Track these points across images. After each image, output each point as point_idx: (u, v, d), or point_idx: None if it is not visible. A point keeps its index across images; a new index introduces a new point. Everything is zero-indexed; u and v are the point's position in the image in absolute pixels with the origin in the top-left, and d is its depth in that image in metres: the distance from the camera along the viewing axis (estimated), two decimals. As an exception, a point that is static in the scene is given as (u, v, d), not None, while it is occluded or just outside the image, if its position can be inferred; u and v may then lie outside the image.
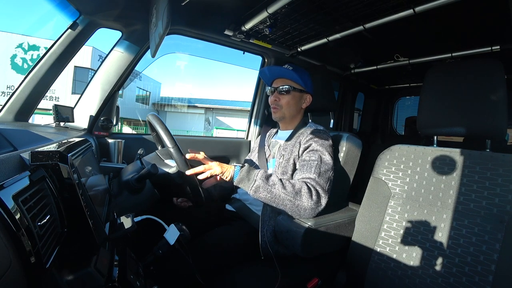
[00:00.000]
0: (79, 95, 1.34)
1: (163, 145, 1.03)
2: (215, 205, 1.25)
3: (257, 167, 1.19)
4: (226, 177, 0.90)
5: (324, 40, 1.39)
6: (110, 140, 1.31)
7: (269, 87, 1.17)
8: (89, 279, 0.46)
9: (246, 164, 0.94)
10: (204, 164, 0.89)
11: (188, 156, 0.85)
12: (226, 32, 1.37)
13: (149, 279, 0.66)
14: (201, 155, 0.90)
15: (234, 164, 0.93)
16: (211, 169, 0.88)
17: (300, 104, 1.15)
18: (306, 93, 1.15)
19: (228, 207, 1.21)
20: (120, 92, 1.40)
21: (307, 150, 1.01)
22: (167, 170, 0.93)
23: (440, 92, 0.86)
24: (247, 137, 1.92)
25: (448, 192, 0.80)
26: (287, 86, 1.10)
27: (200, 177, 0.87)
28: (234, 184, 0.89)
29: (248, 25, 1.27)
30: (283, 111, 1.13)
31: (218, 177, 0.92)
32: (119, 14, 1.14)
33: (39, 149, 0.47)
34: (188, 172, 0.85)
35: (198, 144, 1.68)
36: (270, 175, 0.91)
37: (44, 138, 0.77)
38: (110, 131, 1.39)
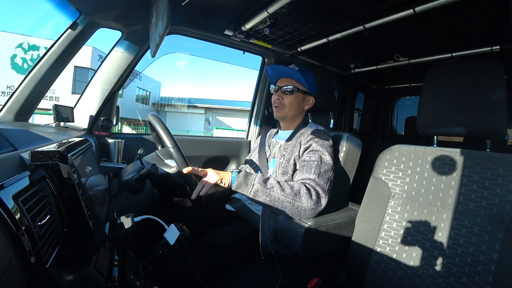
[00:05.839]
0: (79, 95, 1.34)
1: (163, 145, 1.03)
2: (215, 205, 1.25)
3: (257, 167, 1.19)
4: (224, 184, 0.89)
5: (324, 40, 1.39)
6: (110, 140, 1.31)
7: (273, 85, 1.16)
8: (89, 279, 0.46)
9: (243, 169, 0.94)
10: (200, 175, 0.88)
11: (185, 170, 0.84)
12: (226, 32, 1.37)
13: (149, 279, 0.66)
14: (197, 170, 0.88)
15: (231, 170, 0.93)
16: (208, 178, 0.87)
17: (303, 106, 1.15)
18: (309, 95, 1.15)
19: (228, 207, 1.21)
20: (120, 92, 1.40)
21: (307, 150, 1.01)
22: (167, 170, 0.93)
23: (440, 92, 0.86)
24: (247, 137, 1.91)
25: (448, 192, 0.80)
26: (291, 87, 1.10)
27: (201, 193, 0.87)
28: (233, 189, 0.89)
29: (248, 25, 1.27)
30: (285, 111, 1.12)
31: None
32: (119, 14, 1.14)
33: (39, 149, 0.47)
34: (185, 170, 0.84)
35: (198, 144, 1.68)
36: (268, 178, 0.91)
37: (44, 138, 0.77)
38: (110, 131, 1.39)
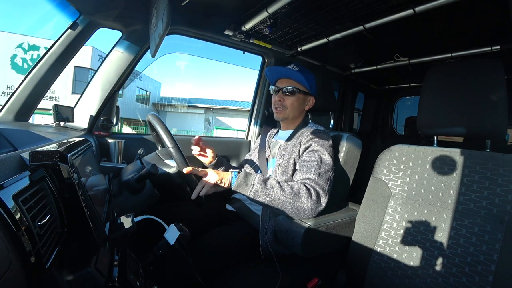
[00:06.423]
0: (79, 95, 1.34)
1: (163, 145, 1.03)
2: (215, 205, 1.25)
3: (257, 167, 1.19)
4: (224, 184, 0.89)
5: (324, 40, 1.39)
6: (110, 140, 1.31)
7: (273, 86, 1.15)
8: (89, 279, 0.46)
9: (243, 169, 0.94)
10: (200, 175, 0.87)
11: (185, 170, 0.84)
12: (226, 32, 1.37)
13: (149, 279, 0.66)
14: (197, 170, 0.88)
15: (231, 170, 0.93)
16: (208, 178, 0.87)
17: (303, 106, 1.15)
18: (310, 96, 1.15)
19: (228, 207, 1.22)
20: (120, 92, 1.40)
21: (307, 150, 1.01)
22: (167, 170, 0.93)
23: (440, 92, 0.86)
24: (247, 137, 1.92)
25: (448, 192, 0.80)
26: (292, 88, 1.09)
27: (201, 193, 0.86)
28: (233, 189, 0.89)
29: (248, 25, 1.27)
30: (286, 112, 1.12)
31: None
32: (119, 14, 1.14)
33: (39, 149, 0.47)
34: (185, 170, 0.84)
35: (198, 144, 1.68)
36: (268, 178, 0.91)
37: (44, 138, 0.77)
38: (110, 131, 1.39)
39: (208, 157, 1.16)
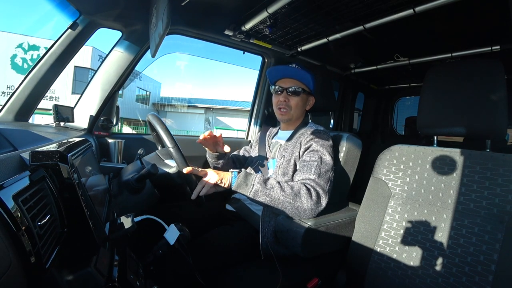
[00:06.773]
0: (79, 95, 1.34)
1: (163, 145, 1.03)
2: (215, 205, 1.24)
3: (257, 168, 1.19)
4: (224, 184, 0.88)
5: (324, 40, 1.39)
6: (110, 140, 1.31)
7: (275, 86, 1.14)
8: (89, 279, 0.46)
9: (243, 169, 0.94)
10: (200, 175, 0.87)
11: (185, 170, 0.84)
12: (226, 32, 1.37)
13: (149, 279, 0.66)
14: (197, 170, 0.87)
15: (231, 170, 0.93)
16: (208, 178, 0.87)
17: (305, 106, 1.15)
18: (311, 96, 1.15)
19: (228, 207, 1.21)
20: (120, 92, 1.40)
21: (308, 150, 1.01)
22: (167, 170, 0.93)
23: (440, 92, 0.86)
24: (247, 137, 1.92)
25: (448, 192, 0.80)
26: (296, 88, 1.09)
27: (201, 193, 0.86)
28: (233, 189, 0.89)
29: (248, 25, 1.27)
30: (291, 113, 1.12)
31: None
32: (119, 14, 1.14)
33: (39, 149, 0.47)
34: (185, 170, 0.83)
35: (198, 144, 1.68)
36: (268, 178, 0.91)
37: (44, 138, 0.77)
38: (110, 131, 1.39)
39: (223, 149, 1.06)
